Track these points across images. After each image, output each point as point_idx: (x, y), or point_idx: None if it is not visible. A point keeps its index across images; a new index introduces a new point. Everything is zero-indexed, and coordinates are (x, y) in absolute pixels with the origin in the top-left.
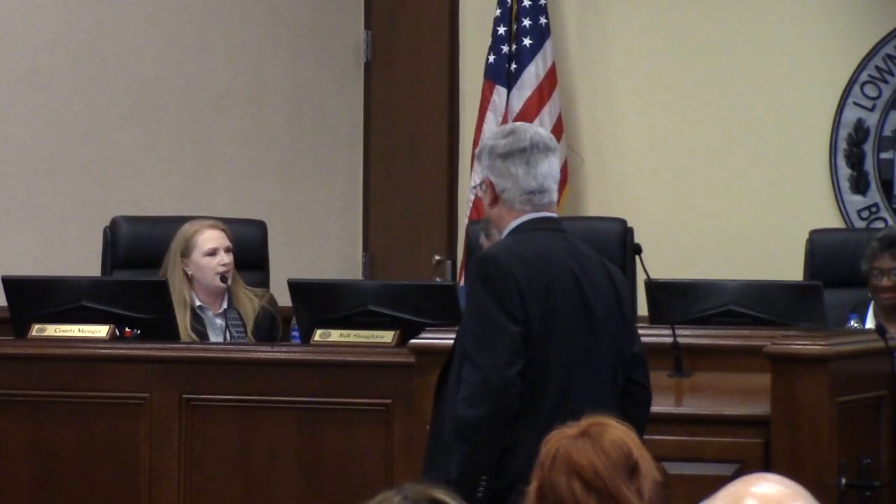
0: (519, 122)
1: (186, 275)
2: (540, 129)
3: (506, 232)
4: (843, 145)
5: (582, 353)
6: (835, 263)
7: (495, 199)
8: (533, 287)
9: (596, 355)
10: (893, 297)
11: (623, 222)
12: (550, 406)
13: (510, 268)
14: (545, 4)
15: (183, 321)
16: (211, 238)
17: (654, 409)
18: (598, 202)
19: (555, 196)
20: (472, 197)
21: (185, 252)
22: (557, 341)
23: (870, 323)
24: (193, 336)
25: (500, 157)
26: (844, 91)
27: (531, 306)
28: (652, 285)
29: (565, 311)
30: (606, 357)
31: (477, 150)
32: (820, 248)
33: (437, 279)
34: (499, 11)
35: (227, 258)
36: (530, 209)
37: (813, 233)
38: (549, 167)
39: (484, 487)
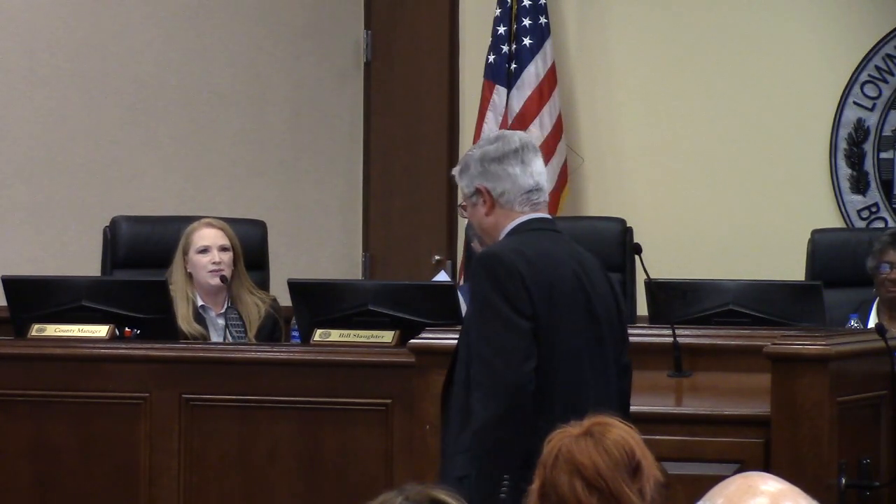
0: (501, 130)
1: (188, 273)
2: (523, 133)
3: (503, 234)
4: (843, 145)
5: (588, 352)
6: (836, 263)
7: (492, 206)
8: (537, 285)
9: (601, 355)
10: None
11: (623, 222)
12: (559, 406)
13: (515, 265)
14: (545, 4)
15: (185, 314)
16: (204, 236)
17: (655, 409)
18: (597, 202)
19: (548, 196)
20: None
21: (185, 250)
22: (563, 340)
23: (872, 322)
24: (196, 326)
25: (494, 160)
26: (844, 91)
27: (538, 304)
28: (652, 285)
29: (570, 311)
30: (610, 357)
31: (459, 167)
32: (821, 248)
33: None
34: (499, 11)
35: (219, 256)
36: (529, 209)
37: (814, 232)
38: (541, 167)
39: (507, 486)
